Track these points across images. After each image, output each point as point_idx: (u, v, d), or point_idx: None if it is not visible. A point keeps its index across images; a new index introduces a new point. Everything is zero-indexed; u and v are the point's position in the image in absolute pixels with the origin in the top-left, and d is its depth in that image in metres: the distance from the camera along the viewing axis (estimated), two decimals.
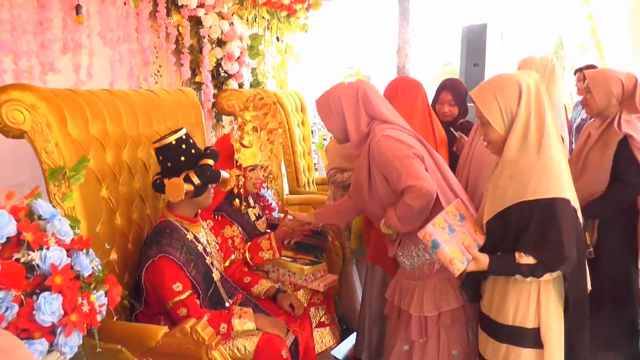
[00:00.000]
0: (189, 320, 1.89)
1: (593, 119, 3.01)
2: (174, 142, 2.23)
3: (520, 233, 1.88)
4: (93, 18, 2.78)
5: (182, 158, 2.24)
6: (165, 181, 2.21)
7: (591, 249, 2.78)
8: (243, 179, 2.75)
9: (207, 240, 2.49)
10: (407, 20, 10.09)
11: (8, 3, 2.24)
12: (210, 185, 2.32)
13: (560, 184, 1.84)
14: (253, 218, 2.90)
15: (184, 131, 2.28)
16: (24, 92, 1.88)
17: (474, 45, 6.45)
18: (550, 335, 1.93)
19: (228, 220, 2.79)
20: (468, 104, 3.33)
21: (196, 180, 2.19)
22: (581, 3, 6.07)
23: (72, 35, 2.63)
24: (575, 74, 5.52)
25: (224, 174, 2.37)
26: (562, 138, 2.95)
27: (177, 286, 2.14)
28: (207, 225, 2.56)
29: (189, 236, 2.31)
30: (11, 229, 1.52)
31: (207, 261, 2.37)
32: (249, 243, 2.80)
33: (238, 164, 2.73)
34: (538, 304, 1.93)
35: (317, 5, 5.58)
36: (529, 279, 1.88)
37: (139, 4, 3.17)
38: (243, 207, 2.81)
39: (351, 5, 9.96)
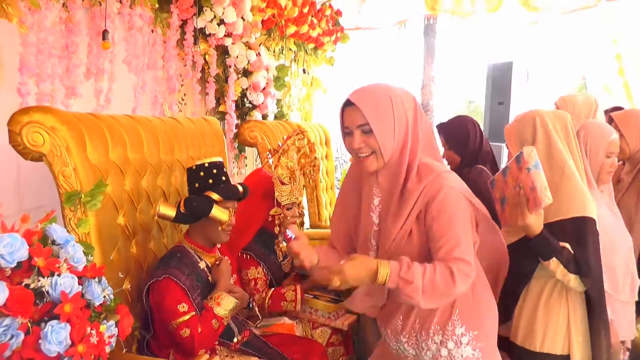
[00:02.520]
0: (202, 356, 1.82)
1: (622, 163, 2.84)
2: (194, 167, 2.22)
3: None
4: (119, 44, 2.78)
5: (196, 184, 2.21)
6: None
7: None
8: (282, 217, 2.72)
9: None
10: (432, 57, 10.12)
11: (37, 27, 2.24)
12: (224, 219, 2.20)
13: (587, 204, 1.98)
14: (280, 258, 2.84)
15: (212, 159, 2.26)
16: (46, 115, 1.85)
17: (500, 83, 6.40)
18: None
19: (255, 261, 2.72)
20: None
21: (181, 208, 2.14)
22: (610, 43, 5.98)
23: (96, 61, 2.63)
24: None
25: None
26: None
27: (182, 306, 2.08)
28: None
29: (202, 265, 2.26)
30: (23, 253, 1.47)
31: None
32: (272, 290, 2.73)
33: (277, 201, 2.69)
34: (568, 330, 1.98)
35: (344, 38, 5.61)
36: (559, 272, 1.93)
37: (166, 31, 3.18)
38: (282, 246, 2.76)
39: (377, 41, 10.00)
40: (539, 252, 1.95)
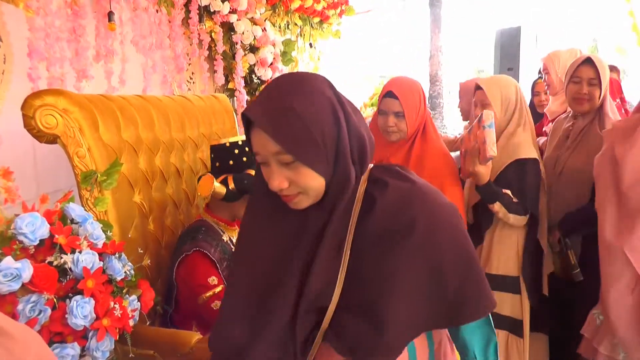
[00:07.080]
0: None
1: (568, 115, 2.66)
2: (227, 144, 2.22)
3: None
4: (126, 25, 2.78)
5: (231, 162, 2.22)
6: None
7: (578, 269, 2.37)
8: None
9: None
10: (439, 27, 10.02)
11: (43, 11, 2.25)
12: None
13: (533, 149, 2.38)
14: None
15: (242, 137, 2.26)
16: (58, 97, 1.87)
17: (508, 49, 6.34)
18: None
19: None
20: None
21: (231, 185, 2.16)
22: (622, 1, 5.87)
23: (104, 43, 2.63)
24: None
25: None
26: None
27: (212, 279, 2.10)
28: None
29: (225, 237, 2.28)
30: (44, 231, 1.51)
31: None
32: None
33: None
34: (517, 254, 2.38)
35: (350, 11, 5.56)
36: (501, 213, 2.28)
37: (171, 10, 3.18)
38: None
39: (383, 13, 9.92)
40: (485, 197, 2.29)
